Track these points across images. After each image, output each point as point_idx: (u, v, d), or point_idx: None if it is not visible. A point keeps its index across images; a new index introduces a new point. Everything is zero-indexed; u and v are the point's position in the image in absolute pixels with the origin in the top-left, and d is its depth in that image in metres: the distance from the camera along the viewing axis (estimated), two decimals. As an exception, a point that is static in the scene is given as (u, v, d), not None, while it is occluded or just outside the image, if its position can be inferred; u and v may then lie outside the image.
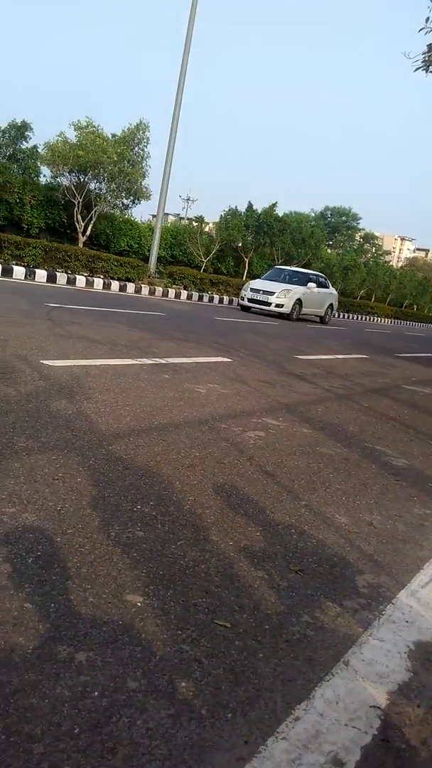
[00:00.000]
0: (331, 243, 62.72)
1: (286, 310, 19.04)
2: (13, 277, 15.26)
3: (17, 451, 2.94)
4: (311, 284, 20.26)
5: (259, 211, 30.06)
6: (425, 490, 3.72)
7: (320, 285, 21.19)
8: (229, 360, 7.36)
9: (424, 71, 10.09)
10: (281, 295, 19.06)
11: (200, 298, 21.71)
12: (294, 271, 22.10)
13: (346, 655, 1.85)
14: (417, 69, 10.18)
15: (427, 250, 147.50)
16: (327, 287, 21.96)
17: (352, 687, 1.70)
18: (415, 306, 53.12)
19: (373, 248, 70.59)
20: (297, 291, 19.53)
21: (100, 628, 1.73)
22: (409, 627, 2.09)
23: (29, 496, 2.46)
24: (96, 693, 1.48)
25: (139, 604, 1.88)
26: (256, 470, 3.39)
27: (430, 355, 15.89)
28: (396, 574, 2.48)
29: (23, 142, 22.91)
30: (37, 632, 1.65)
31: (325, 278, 22.85)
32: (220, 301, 22.83)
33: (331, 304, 22.00)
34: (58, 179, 22.72)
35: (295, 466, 3.63)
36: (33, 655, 1.56)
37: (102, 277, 18.49)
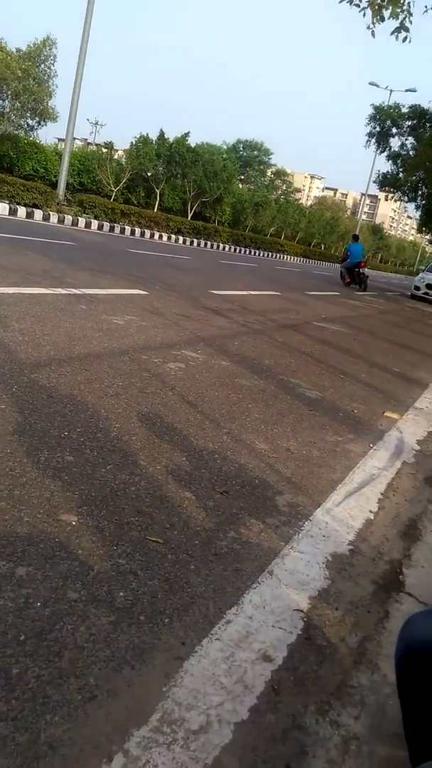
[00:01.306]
0: (242, 178, 62.23)
1: None
2: None
3: None
4: None
5: (171, 140, 29.26)
6: (336, 419, 3.92)
7: None
8: (145, 293, 7.30)
9: (348, 3, 9.96)
10: None
11: (111, 229, 21.15)
12: None
13: (270, 566, 1.98)
14: (341, 1, 10.03)
15: (335, 190, 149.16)
16: None
17: (277, 593, 1.84)
18: (322, 245, 54.01)
19: (284, 185, 70.55)
20: None
21: (38, 545, 1.77)
22: (326, 540, 2.25)
23: None
24: (38, 604, 1.54)
25: (74, 523, 1.94)
26: (178, 400, 3.46)
27: (336, 293, 16.30)
28: (312, 494, 2.65)
29: None
30: (-25, 550, 1.68)
31: None
32: (132, 233, 22.35)
33: None
34: (-44, 93, 21.20)
35: (215, 396, 3.72)
36: (-26, 571, 1.60)
37: (7, 202, 17.63)
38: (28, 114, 21.89)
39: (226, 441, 3.02)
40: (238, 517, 2.27)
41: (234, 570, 1.91)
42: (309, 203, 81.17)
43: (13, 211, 16.88)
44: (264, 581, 1.89)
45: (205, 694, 1.40)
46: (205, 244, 28.33)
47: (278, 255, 37.57)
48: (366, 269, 20.40)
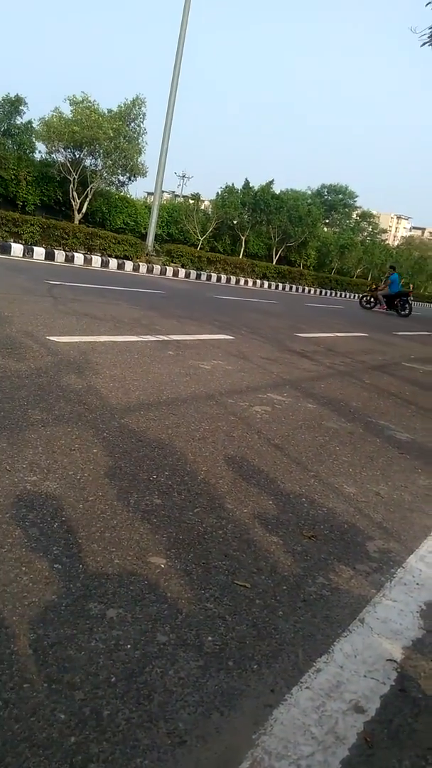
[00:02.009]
0: (327, 221, 62.50)
1: None
2: (11, 254, 15.23)
3: (33, 423, 3.00)
4: None
5: (256, 188, 29.92)
6: (429, 462, 3.80)
7: None
8: (231, 337, 7.41)
9: (431, 46, 10.03)
10: None
11: (198, 277, 21.67)
12: None
13: (362, 614, 1.93)
14: (424, 44, 10.14)
15: (423, 229, 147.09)
16: None
17: (369, 642, 1.79)
18: (411, 285, 53.18)
19: (370, 227, 70.33)
20: None
21: (128, 587, 1.80)
22: (420, 589, 2.17)
23: (49, 466, 2.53)
24: (128, 646, 1.56)
25: (163, 566, 1.96)
26: (264, 443, 3.47)
27: (426, 333, 15.95)
28: (405, 540, 2.57)
29: (17, 117, 22.74)
30: (68, 591, 1.73)
31: None
32: (218, 279, 22.80)
33: None
34: (53, 155, 22.53)
35: (302, 439, 3.70)
36: (66, 612, 1.64)
37: (100, 254, 18.44)
38: (119, 171, 22.97)
39: (314, 484, 2.99)
40: (327, 563, 2.22)
41: (323, 617, 1.87)
42: (396, 243, 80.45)
43: (104, 263, 17.62)
44: (355, 629, 1.84)
45: (295, 743, 1.36)
46: (290, 288, 28.50)
47: (365, 296, 37.27)
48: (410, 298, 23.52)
